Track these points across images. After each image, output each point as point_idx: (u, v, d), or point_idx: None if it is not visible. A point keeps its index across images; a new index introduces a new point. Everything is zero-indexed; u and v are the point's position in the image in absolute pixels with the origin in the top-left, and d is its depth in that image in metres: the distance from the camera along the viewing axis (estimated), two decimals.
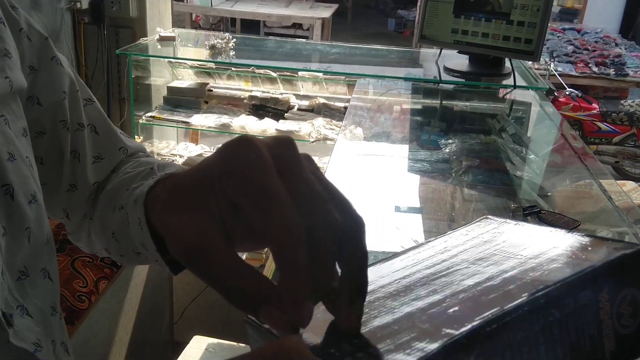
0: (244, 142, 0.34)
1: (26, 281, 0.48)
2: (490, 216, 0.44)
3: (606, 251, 0.32)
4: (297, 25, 7.19)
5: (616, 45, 5.28)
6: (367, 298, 0.34)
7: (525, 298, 0.28)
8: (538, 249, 0.35)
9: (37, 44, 0.56)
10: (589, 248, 0.34)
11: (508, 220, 0.42)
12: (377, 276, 0.38)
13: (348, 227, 0.34)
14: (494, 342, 0.27)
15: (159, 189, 0.45)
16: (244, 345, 1.49)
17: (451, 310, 0.29)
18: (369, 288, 0.34)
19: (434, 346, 0.26)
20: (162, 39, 2.73)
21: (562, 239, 0.37)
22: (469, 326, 0.27)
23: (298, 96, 2.88)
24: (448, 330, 0.27)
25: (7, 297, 0.45)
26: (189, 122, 2.74)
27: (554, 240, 0.37)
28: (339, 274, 0.33)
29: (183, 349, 1.51)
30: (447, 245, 0.40)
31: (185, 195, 0.36)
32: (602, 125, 4.30)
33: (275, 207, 0.31)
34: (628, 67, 4.67)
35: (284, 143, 0.35)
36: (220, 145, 0.36)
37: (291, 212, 0.32)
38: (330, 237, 0.33)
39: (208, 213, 0.34)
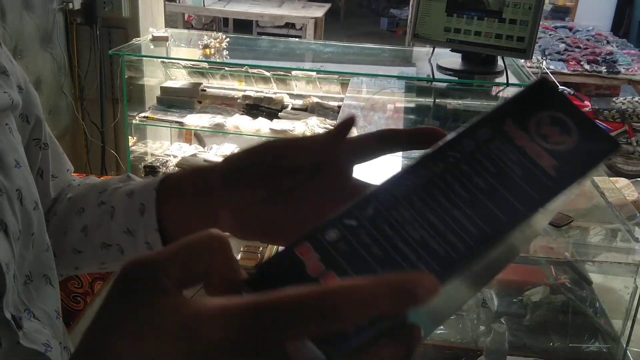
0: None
1: (31, 286, 0.49)
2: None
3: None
4: (290, 25, 7.19)
5: (608, 42, 5.31)
6: None
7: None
8: None
9: (17, 65, 0.58)
10: None
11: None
12: None
13: None
14: (393, 193, 0.29)
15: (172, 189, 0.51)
16: None
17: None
18: None
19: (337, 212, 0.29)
20: (155, 39, 2.73)
21: None
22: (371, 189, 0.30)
23: (292, 95, 2.88)
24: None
25: (16, 300, 0.46)
26: (182, 122, 2.73)
27: None
28: None
29: None
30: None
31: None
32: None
33: None
34: (620, 65, 4.69)
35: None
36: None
37: None
38: None
39: None
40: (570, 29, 5.64)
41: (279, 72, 2.78)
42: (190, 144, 3.08)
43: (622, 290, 1.51)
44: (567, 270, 1.59)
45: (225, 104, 2.91)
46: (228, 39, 2.77)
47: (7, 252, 0.45)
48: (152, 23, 2.80)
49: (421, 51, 2.74)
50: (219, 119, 2.73)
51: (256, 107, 2.81)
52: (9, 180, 0.47)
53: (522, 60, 2.51)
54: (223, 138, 3.00)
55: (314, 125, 2.65)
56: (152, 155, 2.93)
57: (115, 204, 0.54)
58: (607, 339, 1.45)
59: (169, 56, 2.81)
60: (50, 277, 0.52)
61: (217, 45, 2.70)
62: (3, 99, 0.50)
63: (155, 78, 2.91)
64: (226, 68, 2.83)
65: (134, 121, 2.75)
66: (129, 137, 2.77)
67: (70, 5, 2.56)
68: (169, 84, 2.89)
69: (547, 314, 1.50)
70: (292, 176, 0.42)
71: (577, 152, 0.31)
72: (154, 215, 0.50)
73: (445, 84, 2.29)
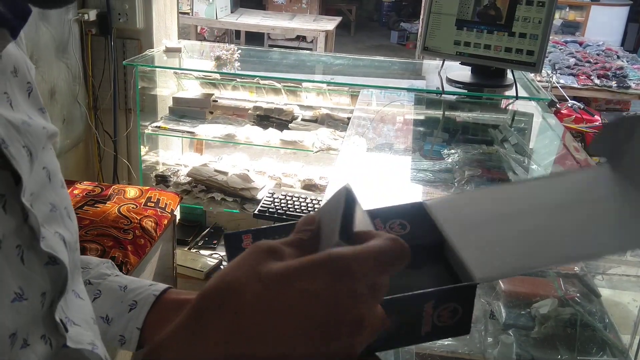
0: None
1: (67, 296, 0.51)
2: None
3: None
4: (301, 38, 7.24)
5: (618, 57, 5.30)
6: None
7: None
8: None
9: None
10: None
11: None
12: None
13: None
14: None
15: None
16: None
17: None
18: None
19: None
20: (168, 50, 2.76)
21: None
22: None
23: (302, 107, 2.90)
24: None
25: (60, 308, 0.48)
26: (194, 132, 2.76)
27: None
28: None
29: None
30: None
31: None
32: None
33: None
34: (630, 80, 4.68)
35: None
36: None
37: None
38: None
39: None
40: (580, 44, 5.64)
41: (289, 84, 2.81)
42: (202, 154, 3.11)
43: (630, 304, 1.50)
44: (575, 284, 1.59)
45: (236, 114, 2.94)
46: (240, 51, 2.81)
47: (67, 259, 0.48)
48: (165, 35, 2.84)
49: (431, 64, 2.76)
50: (230, 129, 2.75)
51: (267, 118, 2.83)
52: (59, 198, 0.50)
53: (532, 74, 2.52)
54: (234, 148, 3.02)
55: (324, 137, 2.67)
56: (164, 164, 2.96)
57: (103, 289, 0.61)
58: (615, 353, 1.44)
59: (181, 67, 2.84)
60: (78, 292, 0.54)
61: (229, 56, 2.73)
62: (49, 125, 0.53)
63: (168, 88, 2.94)
64: (238, 79, 2.86)
65: (146, 131, 2.78)
66: (141, 147, 2.80)
67: (86, 17, 2.60)
68: (181, 94, 2.92)
69: (555, 326, 1.50)
70: None
71: (446, 328, 0.44)
72: (144, 316, 0.58)
73: (454, 97, 2.31)
